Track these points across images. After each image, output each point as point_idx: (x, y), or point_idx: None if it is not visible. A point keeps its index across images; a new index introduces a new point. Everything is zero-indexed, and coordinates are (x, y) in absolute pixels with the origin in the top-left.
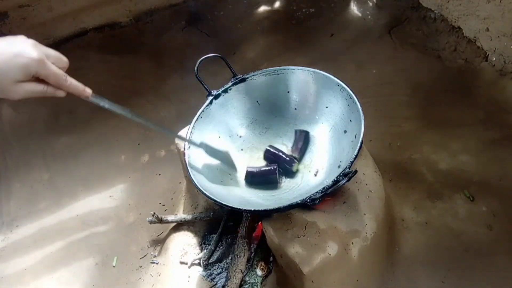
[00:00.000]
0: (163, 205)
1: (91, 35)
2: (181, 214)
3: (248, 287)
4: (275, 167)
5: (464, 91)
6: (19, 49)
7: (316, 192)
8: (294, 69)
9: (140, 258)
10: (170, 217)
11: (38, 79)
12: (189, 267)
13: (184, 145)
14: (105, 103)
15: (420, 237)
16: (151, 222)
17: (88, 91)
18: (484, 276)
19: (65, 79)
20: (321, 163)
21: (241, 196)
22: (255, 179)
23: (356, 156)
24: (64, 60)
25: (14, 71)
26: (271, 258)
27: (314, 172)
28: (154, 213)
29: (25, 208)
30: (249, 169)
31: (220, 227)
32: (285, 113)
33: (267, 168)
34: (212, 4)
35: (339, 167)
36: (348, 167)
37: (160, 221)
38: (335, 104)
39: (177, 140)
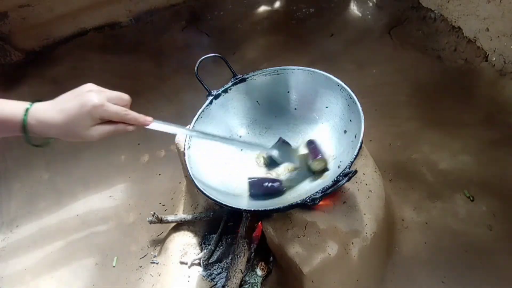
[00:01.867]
0: (163, 205)
1: (91, 35)
2: (181, 214)
3: (248, 287)
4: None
5: (464, 91)
6: (84, 100)
7: (316, 192)
8: (294, 69)
9: (140, 258)
10: (170, 217)
11: (108, 121)
12: (189, 267)
13: (184, 145)
14: (165, 127)
15: (420, 237)
16: (151, 222)
17: (149, 119)
18: (484, 276)
19: (126, 113)
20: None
21: (241, 196)
22: (259, 192)
23: (356, 156)
24: (125, 98)
25: (83, 119)
26: (271, 258)
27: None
28: (154, 213)
29: (25, 208)
30: (251, 180)
31: (220, 227)
32: (285, 113)
33: (270, 184)
34: (212, 4)
35: (339, 167)
36: (348, 167)
37: (160, 221)
38: (335, 104)
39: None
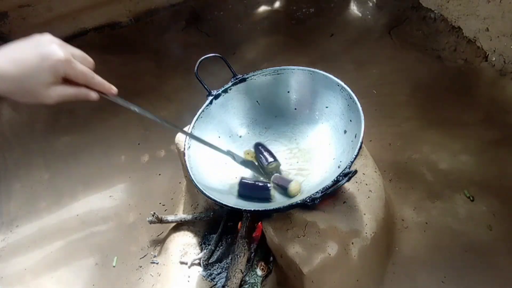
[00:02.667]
0: (163, 205)
1: (91, 35)
2: (181, 214)
3: (248, 287)
4: (269, 185)
5: (464, 91)
6: (46, 51)
7: (316, 192)
8: (294, 69)
9: (140, 258)
10: (170, 217)
11: (68, 82)
12: (189, 267)
13: (184, 145)
14: (128, 105)
15: (420, 237)
16: (151, 222)
17: (114, 89)
18: (484, 276)
19: (92, 76)
20: (321, 163)
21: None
22: (247, 193)
23: (356, 156)
24: (89, 60)
25: (44, 74)
26: (271, 258)
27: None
28: (154, 213)
29: (25, 208)
30: (243, 181)
31: (220, 227)
32: (285, 113)
33: (260, 184)
34: (212, 4)
35: (339, 167)
36: (348, 167)
37: (160, 221)
38: (335, 104)
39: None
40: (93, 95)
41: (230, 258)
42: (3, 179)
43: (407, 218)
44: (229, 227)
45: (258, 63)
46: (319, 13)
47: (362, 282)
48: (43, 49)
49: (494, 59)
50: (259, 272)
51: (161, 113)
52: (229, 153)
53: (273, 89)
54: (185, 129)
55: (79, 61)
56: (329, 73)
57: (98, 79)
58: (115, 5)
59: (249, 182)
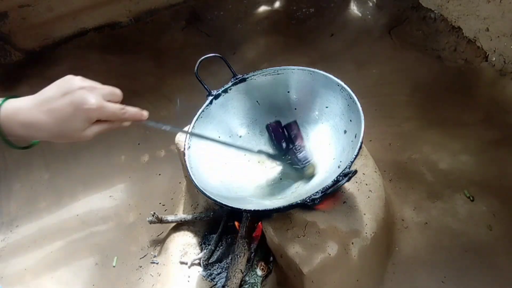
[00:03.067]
0: (163, 205)
1: (91, 35)
2: (181, 214)
3: (248, 287)
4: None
5: (464, 91)
6: (77, 101)
7: (316, 192)
8: (294, 69)
9: (140, 258)
10: (170, 217)
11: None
12: (189, 267)
13: (184, 145)
14: (160, 125)
15: (420, 237)
16: (151, 222)
17: (145, 114)
18: (484, 276)
19: (123, 112)
20: (321, 163)
21: (241, 196)
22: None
23: (356, 156)
24: (118, 93)
25: (78, 122)
26: (271, 258)
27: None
28: (154, 213)
29: (25, 208)
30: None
31: (220, 227)
32: (285, 113)
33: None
34: (212, 4)
35: (339, 167)
36: (348, 167)
37: (160, 221)
38: (335, 104)
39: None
40: (126, 124)
41: (230, 258)
42: (3, 179)
43: (407, 218)
44: (229, 227)
45: (258, 63)
46: (319, 13)
47: (362, 282)
48: (75, 99)
49: (494, 59)
50: (259, 272)
51: (161, 113)
52: (260, 152)
53: (273, 89)
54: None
55: (109, 98)
56: (329, 73)
57: (129, 113)
58: (115, 5)
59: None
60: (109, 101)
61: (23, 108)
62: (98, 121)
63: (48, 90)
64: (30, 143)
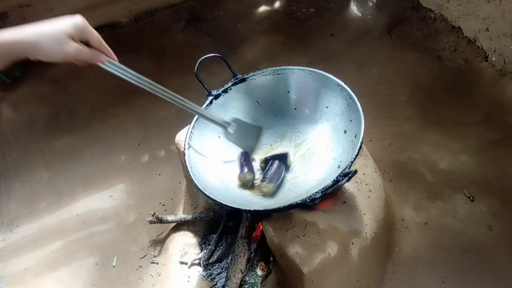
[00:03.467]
0: (163, 205)
1: None
2: (181, 214)
3: (248, 287)
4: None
5: (464, 91)
6: (67, 17)
7: (316, 192)
8: (294, 69)
9: (140, 258)
10: (170, 217)
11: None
12: (189, 267)
13: (184, 145)
14: (128, 73)
15: (420, 237)
16: (151, 222)
17: (115, 57)
18: (484, 276)
19: (102, 42)
20: (321, 163)
21: (241, 196)
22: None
23: (356, 156)
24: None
25: (64, 28)
26: (271, 258)
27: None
28: (154, 213)
29: (25, 208)
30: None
31: (220, 227)
32: (285, 113)
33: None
34: (212, 4)
35: (339, 167)
36: (348, 167)
37: (160, 221)
38: (335, 104)
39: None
40: (103, 59)
41: (230, 258)
42: (3, 179)
43: (407, 218)
44: (229, 227)
45: (258, 63)
46: (319, 13)
47: (362, 282)
48: (65, 17)
49: (494, 59)
50: (259, 272)
51: (161, 113)
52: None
53: (273, 89)
54: (185, 129)
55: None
56: (329, 73)
57: (106, 46)
58: (115, 5)
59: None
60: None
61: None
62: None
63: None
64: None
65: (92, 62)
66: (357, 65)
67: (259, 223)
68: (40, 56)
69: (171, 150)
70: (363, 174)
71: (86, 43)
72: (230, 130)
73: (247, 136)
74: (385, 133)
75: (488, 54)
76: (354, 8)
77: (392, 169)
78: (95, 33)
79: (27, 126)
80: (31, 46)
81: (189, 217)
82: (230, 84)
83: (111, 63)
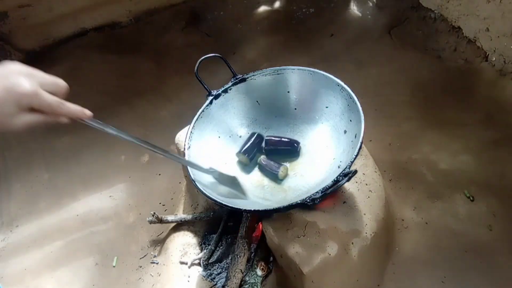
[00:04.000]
0: (163, 205)
1: (91, 35)
2: (181, 214)
3: (248, 287)
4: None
5: (464, 91)
6: (11, 84)
7: (316, 192)
8: (294, 69)
9: (140, 258)
10: (170, 217)
11: (35, 109)
12: (189, 267)
13: (184, 145)
14: (107, 128)
15: (420, 237)
16: (151, 222)
17: (88, 113)
18: (484, 276)
19: (60, 106)
20: (321, 163)
21: (241, 196)
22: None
23: (356, 156)
24: (61, 85)
25: (8, 106)
26: (271, 258)
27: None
28: (154, 213)
29: (25, 208)
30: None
31: (220, 227)
32: (285, 113)
33: (287, 140)
34: (212, 4)
35: (339, 167)
36: (348, 167)
37: (160, 221)
38: (335, 104)
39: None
40: (64, 120)
41: (230, 258)
42: (3, 179)
43: (407, 218)
44: (229, 227)
45: (258, 63)
46: (319, 13)
47: (362, 282)
48: (9, 82)
49: (494, 59)
50: (259, 272)
51: (161, 113)
52: (210, 171)
53: (273, 89)
54: (185, 129)
55: (51, 88)
56: (329, 73)
57: (67, 108)
58: (115, 5)
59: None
60: (50, 92)
61: None
62: (34, 111)
63: None
64: None
65: (52, 124)
66: (357, 65)
67: (259, 223)
68: None
69: (171, 150)
70: (363, 174)
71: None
72: (215, 176)
73: (229, 183)
74: (385, 133)
75: (488, 54)
76: (354, 8)
77: (392, 169)
78: (45, 100)
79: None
80: None
81: (189, 217)
82: (230, 84)
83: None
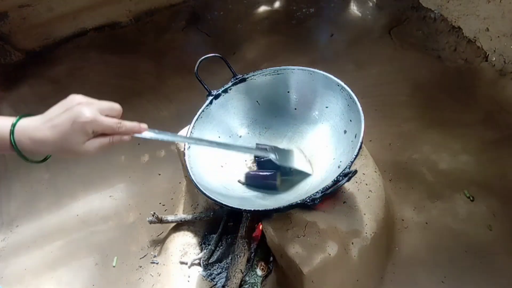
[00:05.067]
0: (163, 205)
1: (91, 35)
2: (181, 214)
3: (248, 287)
4: (274, 172)
5: (464, 91)
6: (74, 115)
7: (316, 192)
8: (294, 69)
9: (140, 258)
10: (170, 217)
11: (101, 134)
12: (189, 267)
13: (184, 145)
14: (162, 136)
15: (420, 237)
16: (151, 222)
17: (144, 126)
18: (484, 276)
19: (119, 126)
20: (321, 163)
21: (241, 196)
22: (254, 182)
23: (356, 156)
24: (116, 108)
25: (76, 135)
26: (271, 258)
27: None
28: (154, 213)
29: (25, 208)
30: (249, 174)
31: (220, 227)
32: (285, 113)
33: (266, 174)
34: (212, 4)
35: (339, 167)
36: (348, 167)
37: (160, 221)
38: (335, 104)
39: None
40: (126, 138)
41: (230, 258)
42: (3, 179)
43: (407, 218)
44: (229, 227)
45: (258, 63)
46: (319, 13)
47: (362, 282)
48: (72, 112)
49: (494, 59)
50: (259, 272)
51: (161, 113)
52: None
53: (273, 89)
54: (185, 129)
55: (107, 113)
56: (329, 73)
57: (126, 126)
58: (115, 5)
59: (255, 173)
60: (107, 115)
61: (32, 126)
62: (100, 136)
63: (53, 108)
64: (44, 157)
65: (118, 144)
66: (357, 65)
67: (259, 223)
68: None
69: (171, 150)
70: (363, 174)
71: None
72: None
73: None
74: (385, 133)
75: (488, 54)
76: (354, 8)
77: (392, 169)
78: (106, 124)
79: None
80: (49, 153)
81: (189, 217)
82: (230, 84)
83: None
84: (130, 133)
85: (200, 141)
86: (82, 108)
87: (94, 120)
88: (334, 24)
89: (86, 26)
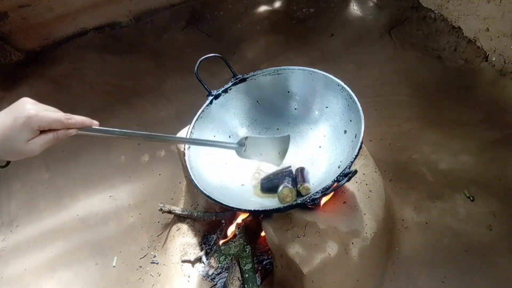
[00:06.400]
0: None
1: (91, 35)
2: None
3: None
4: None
5: (464, 91)
6: (18, 112)
7: (316, 192)
8: (294, 69)
9: (140, 258)
10: (177, 209)
11: (46, 130)
12: (193, 265)
13: (184, 145)
14: (114, 132)
15: (420, 237)
16: (161, 210)
17: (95, 122)
18: (484, 276)
19: (68, 118)
20: (321, 163)
21: (241, 196)
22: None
23: (356, 156)
24: (61, 113)
25: (19, 133)
26: (271, 258)
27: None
28: (163, 204)
29: (25, 208)
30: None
31: (220, 227)
32: (285, 113)
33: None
34: (212, 4)
35: (339, 167)
36: (348, 167)
37: (169, 212)
38: (335, 104)
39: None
40: (72, 132)
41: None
42: (3, 179)
43: (407, 218)
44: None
45: (258, 63)
46: (319, 13)
47: (362, 282)
48: (16, 111)
49: (494, 59)
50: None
51: (161, 113)
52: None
53: (273, 89)
54: (185, 129)
55: (54, 111)
56: (329, 73)
57: (75, 119)
58: (115, 5)
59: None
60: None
61: None
62: (43, 133)
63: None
64: (4, 163)
65: (64, 139)
66: (357, 65)
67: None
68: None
69: (171, 150)
70: (363, 174)
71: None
72: (240, 150)
73: (265, 149)
74: (385, 133)
75: (488, 54)
76: (354, 8)
77: (392, 169)
78: (52, 116)
79: None
80: None
81: (194, 212)
82: (230, 84)
83: (87, 129)
84: (81, 126)
85: (152, 137)
86: (25, 104)
87: (39, 114)
88: (334, 24)
89: (86, 26)
